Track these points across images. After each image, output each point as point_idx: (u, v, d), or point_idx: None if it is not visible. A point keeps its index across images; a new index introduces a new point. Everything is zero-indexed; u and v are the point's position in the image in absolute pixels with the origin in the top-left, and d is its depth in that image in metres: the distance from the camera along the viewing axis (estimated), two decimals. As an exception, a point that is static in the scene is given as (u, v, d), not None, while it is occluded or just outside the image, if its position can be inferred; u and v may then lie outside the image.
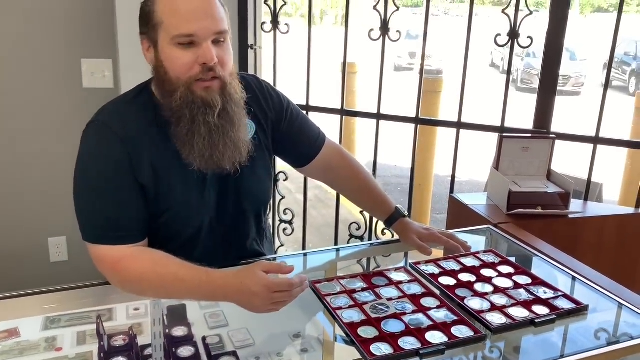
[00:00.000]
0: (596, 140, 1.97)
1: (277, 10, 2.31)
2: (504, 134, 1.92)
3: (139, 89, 1.24)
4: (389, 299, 1.19)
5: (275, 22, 2.32)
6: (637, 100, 4.58)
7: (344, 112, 2.31)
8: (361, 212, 2.38)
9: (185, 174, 1.20)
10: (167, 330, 1.08)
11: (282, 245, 2.60)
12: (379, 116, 2.25)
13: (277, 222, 2.54)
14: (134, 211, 1.17)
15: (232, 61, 1.20)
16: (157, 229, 1.22)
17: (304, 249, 2.63)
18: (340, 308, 1.15)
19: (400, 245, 1.48)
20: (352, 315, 1.12)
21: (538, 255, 1.43)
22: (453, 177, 2.21)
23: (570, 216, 1.81)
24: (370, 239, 2.40)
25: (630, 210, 1.94)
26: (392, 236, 2.34)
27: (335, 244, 2.55)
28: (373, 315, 1.12)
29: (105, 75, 2.36)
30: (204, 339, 1.08)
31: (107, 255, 1.14)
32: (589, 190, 2.02)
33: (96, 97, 2.32)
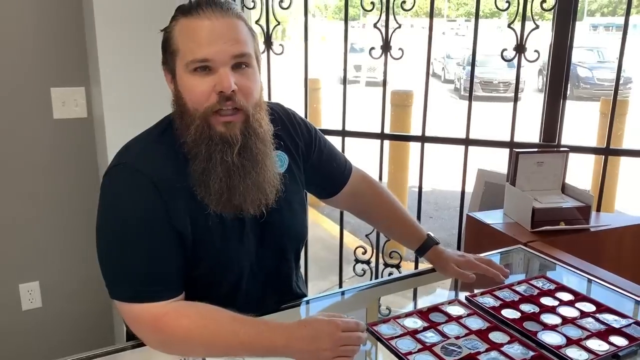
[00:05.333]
0: (607, 152, 1.98)
1: (270, 31, 2.23)
2: (519, 150, 1.89)
3: (163, 126, 1.12)
4: (457, 337, 1.11)
5: (268, 43, 2.23)
6: (601, 106, 4.71)
7: (345, 134, 2.24)
8: (367, 236, 2.30)
9: (222, 219, 1.09)
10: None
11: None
12: (382, 136, 2.19)
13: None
14: (172, 262, 1.06)
15: (259, 90, 1.10)
16: (194, 280, 1.11)
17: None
18: (410, 353, 1.07)
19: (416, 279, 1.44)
20: (426, 361, 1.05)
21: (586, 276, 1.39)
22: (463, 195, 2.17)
23: (592, 229, 1.80)
24: (377, 263, 2.32)
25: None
26: (400, 260, 2.29)
27: (340, 282, 2.43)
28: (448, 359, 1.05)
29: (78, 104, 2.19)
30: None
31: (146, 313, 1.02)
32: (601, 201, 2.02)
33: (69, 128, 2.16)
